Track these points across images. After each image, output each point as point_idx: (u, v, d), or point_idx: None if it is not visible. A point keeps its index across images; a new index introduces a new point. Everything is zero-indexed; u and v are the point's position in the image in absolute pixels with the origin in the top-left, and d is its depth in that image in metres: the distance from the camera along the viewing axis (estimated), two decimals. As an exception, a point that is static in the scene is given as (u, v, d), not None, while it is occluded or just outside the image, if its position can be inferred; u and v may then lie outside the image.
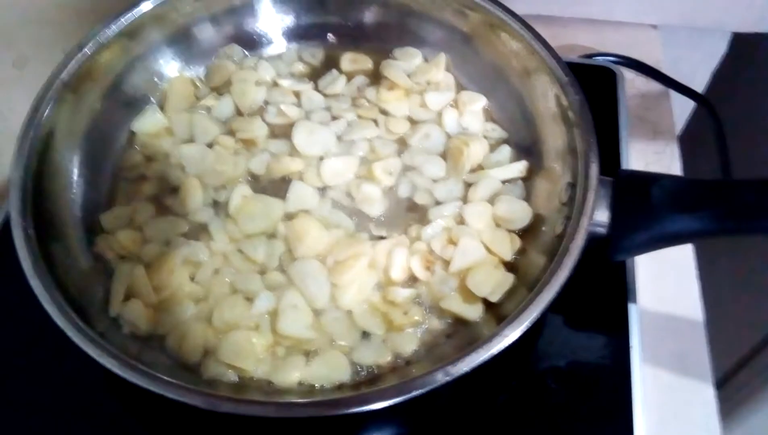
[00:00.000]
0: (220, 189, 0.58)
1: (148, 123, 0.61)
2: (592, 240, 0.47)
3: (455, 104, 0.63)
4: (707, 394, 0.56)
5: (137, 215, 0.56)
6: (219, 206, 0.57)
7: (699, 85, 0.90)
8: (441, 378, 0.41)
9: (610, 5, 0.79)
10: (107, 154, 0.60)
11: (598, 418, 0.52)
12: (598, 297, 0.57)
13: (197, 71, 0.66)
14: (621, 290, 0.57)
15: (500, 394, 0.53)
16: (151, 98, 0.64)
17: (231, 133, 0.61)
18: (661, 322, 0.60)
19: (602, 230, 0.48)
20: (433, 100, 0.63)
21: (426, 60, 0.66)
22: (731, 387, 0.87)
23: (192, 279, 0.53)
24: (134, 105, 0.62)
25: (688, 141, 0.87)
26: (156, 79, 0.64)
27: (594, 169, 0.49)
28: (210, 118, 0.62)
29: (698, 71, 0.89)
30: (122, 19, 0.58)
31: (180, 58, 0.65)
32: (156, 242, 0.54)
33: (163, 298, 0.51)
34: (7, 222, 0.49)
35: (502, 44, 0.60)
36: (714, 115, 0.79)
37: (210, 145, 0.60)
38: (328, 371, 0.48)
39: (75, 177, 0.56)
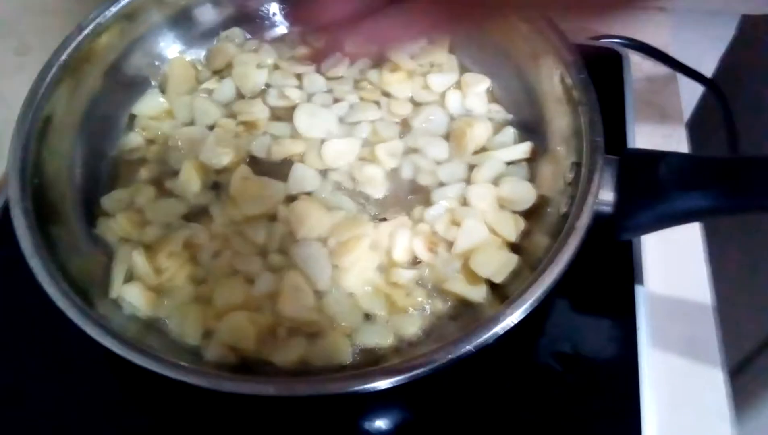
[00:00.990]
0: (221, 172, 0.57)
1: (149, 106, 0.61)
2: (598, 219, 0.46)
3: (459, 86, 0.62)
4: (718, 379, 0.55)
5: (138, 197, 0.55)
6: (220, 188, 0.56)
7: (707, 69, 0.89)
8: (444, 357, 0.40)
9: (617, -12, 0.78)
10: (108, 136, 0.60)
11: (606, 403, 0.51)
12: (604, 279, 0.56)
13: (198, 54, 0.65)
14: (628, 272, 0.56)
15: (506, 378, 0.53)
16: (152, 81, 0.63)
17: (232, 115, 0.61)
18: (670, 305, 0.59)
19: (608, 209, 0.47)
20: (437, 82, 0.62)
21: (430, 41, 0.65)
22: (747, 374, 0.86)
23: (192, 261, 0.52)
24: (135, 88, 0.62)
25: (697, 126, 0.86)
26: (157, 62, 0.63)
27: (599, 148, 0.48)
28: (211, 100, 0.61)
29: (707, 55, 0.88)
30: (122, 1, 0.58)
31: (181, 40, 0.64)
32: (156, 224, 0.54)
33: (163, 280, 0.51)
34: (7, 205, 0.48)
35: (506, 24, 0.59)
36: (722, 99, 0.78)
37: (211, 128, 0.60)
38: (329, 352, 0.48)
39: (75, 159, 0.56)
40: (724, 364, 0.57)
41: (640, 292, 0.55)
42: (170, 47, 0.64)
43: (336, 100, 0.61)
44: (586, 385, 0.52)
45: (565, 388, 0.52)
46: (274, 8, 0.67)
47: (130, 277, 0.51)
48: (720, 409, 0.54)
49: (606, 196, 0.47)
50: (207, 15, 0.65)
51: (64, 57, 0.55)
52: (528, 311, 0.42)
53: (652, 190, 0.46)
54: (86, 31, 0.56)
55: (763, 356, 0.83)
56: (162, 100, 0.61)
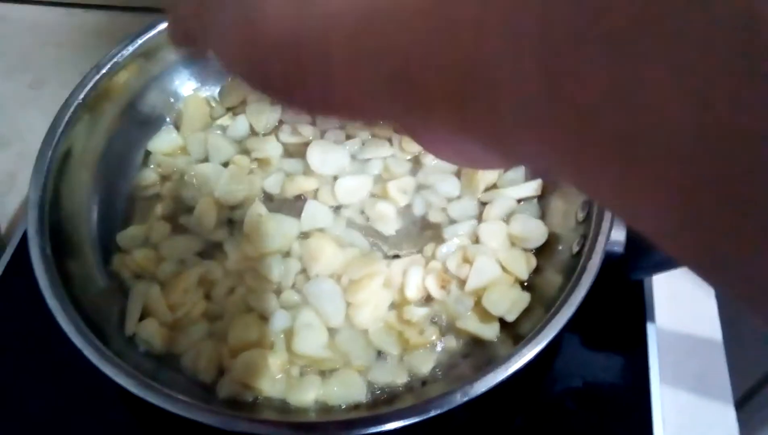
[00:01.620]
0: (235, 208, 0.58)
1: (164, 142, 0.62)
2: (609, 259, 0.47)
3: (469, 123, 0.63)
4: (728, 415, 0.56)
5: (153, 234, 0.56)
6: (234, 225, 0.57)
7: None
8: (459, 398, 0.41)
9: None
10: (123, 173, 0.60)
11: (618, 439, 0.51)
12: (615, 316, 0.57)
13: (212, 91, 0.66)
14: (639, 309, 0.57)
15: (517, 415, 0.53)
16: (167, 118, 0.64)
17: (246, 152, 0.61)
18: (680, 342, 0.59)
19: (619, 249, 0.48)
20: (448, 119, 0.62)
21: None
22: (751, 407, 0.86)
23: (207, 298, 0.53)
24: (150, 124, 0.63)
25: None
26: (172, 99, 0.64)
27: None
28: (225, 137, 0.62)
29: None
30: (139, 40, 0.59)
31: (196, 78, 0.65)
32: (171, 261, 0.54)
33: (178, 317, 0.51)
34: (24, 240, 0.49)
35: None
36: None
37: (225, 165, 0.60)
38: (343, 391, 0.48)
39: (92, 196, 0.57)
40: (734, 401, 0.57)
41: (651, 329, 0.55)
42: (185, 85, 0.65)
43: (348, 137, 0.62)
44: (598, 422, 0.52)
45: (577, 424, 0.52)
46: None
47: (145, 314, 0.52)
48: (730, 444, 0.54)
49: (618, 236, 0.48)
50: (221, 53, 0.66)
51: (82, 95, 0.56)
52: (541, 351, 0.43)
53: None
54: (104, 70, 0.57)
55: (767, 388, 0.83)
56: (176, 136, 0.62)
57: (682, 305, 0.61)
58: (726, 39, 0.12)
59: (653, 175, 0.14)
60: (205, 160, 0.61)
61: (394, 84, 0.18)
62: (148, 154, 0.62)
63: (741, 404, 0.86)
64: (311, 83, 0.20)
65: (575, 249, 0.49)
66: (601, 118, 0.14)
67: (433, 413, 0.40)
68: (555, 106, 0.15)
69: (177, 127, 0.63)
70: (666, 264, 0.48)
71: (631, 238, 0.48)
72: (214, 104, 0.66)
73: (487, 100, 0.16)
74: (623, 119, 0.13)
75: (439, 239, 0.56)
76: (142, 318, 0.51)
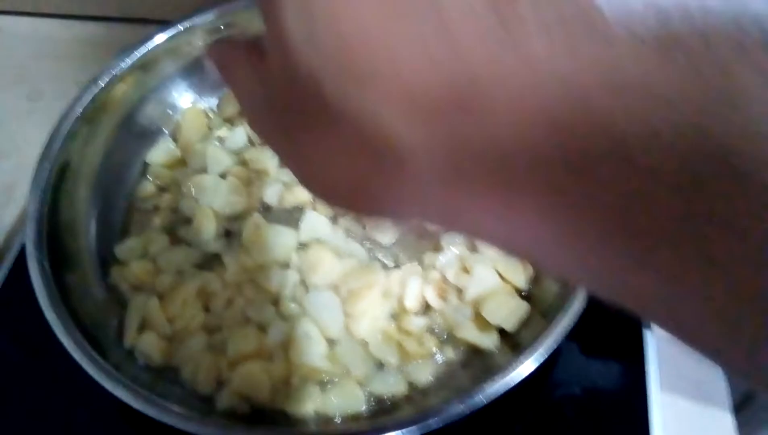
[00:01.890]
0: (234, 219, 0.58)
1: (162, 154, 0.62)
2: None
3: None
4: (726, 422, 0.56)
5: (151, 246, 0.56)
6: (232, 236, 0.57)
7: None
8: (458, 409, 0.41)
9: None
10: (121, 185, 0.61)
11: (617, 447, 0.51)
12: (613, 324, 0.57)
13: (210, 102, 0.66)
14: (637, 317, 0.57)
15: (516, 423, 0.53)
16: (165, 130, 0.64)
17: (244, 163, 0.62)
18: (677, 349, 0.59)
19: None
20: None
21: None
22: (749, 411, 0.86)
23: (206, 310, 0.53)
24: (148, 136, 0.63)
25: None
26: (170, 111, 0.65)
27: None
28: (223, 148, 0.63)
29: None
30: (136, 52, 0.59)
31: (193, 90, 0.65)
32: (169, 273, 0.55)
33: (176, 329, 0.51)
34: (22, 252, 0.49)
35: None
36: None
37: (223, 176, 0.60)
38: (343, 402, 0.48)
39: (90, 208, 0.57)
40: (732, 407, 0.57)
41: (649, 337, 0.56)
42: (183, 96, 0.65)
43: (345, 147, 0.62)
44: (597, 429, 0.52)
45: (576, 432, 0.52)
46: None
47: (143, 327, 0.52)
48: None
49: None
50: (219, 65, 0.66)
51: (80, 108, 0.56)
52: (540, 362, 0.43)
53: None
54: (102, 83, 0.57)
55: (763, 393, 0.83)
56: (174, 148, 0.62)
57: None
58: None
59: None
60: (204, 171, 0.61)
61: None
62: (146, 165, 0.62)
63: (738, 409, 0.86)
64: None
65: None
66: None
67: (432, 424, 0.40)
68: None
69: (175, 139, 0.64)
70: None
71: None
72: (212, 115, 0.66)
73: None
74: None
75: (438, 248, 0.56)
76: (140, 330, 0.51)
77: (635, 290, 0.17)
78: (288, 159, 0.22)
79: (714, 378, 0.58)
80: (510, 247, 0.19)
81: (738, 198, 0.13)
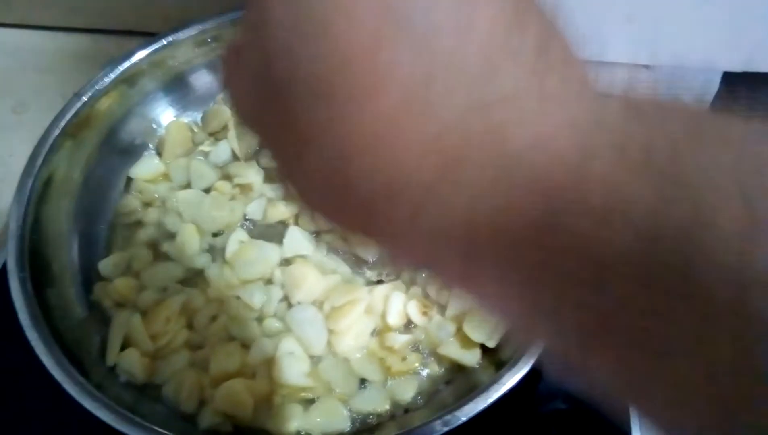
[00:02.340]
0: (217, 234, 0.58)
1: (146, 169, 0.62)
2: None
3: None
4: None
5: (134, 262, 0.56)
6: (216, 252, 0.57)
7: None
8: (440, 428, 0.41)
9: (604, 46, 0.80)
10: (105, 200, 0.60)
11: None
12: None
13: (194, 117, 0.66)
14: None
15: (500, 438, 0.53)
16: (149, 144, 0.64)
17: (228, 178, 0.61)
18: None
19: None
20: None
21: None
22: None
23: (189, 326, 0.53)
24: (132, 151, 0.63)
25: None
26: (154, 126, 0.64)
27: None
28: (207, 163, 0.62)
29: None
30: (120, 67, 0.59)
31: (177, 104, 0.65)
32: (153, 289, 0.54)
33: (159, 346, 0.51)
34: (4, 269, 0.49)
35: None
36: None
37: (207, 191, 0.60)
38: (326, 420, 0.48)
39: (73, 224, 0.57)
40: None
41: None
42: (167, 111, 0.65)
43: (330, 162, 0.62)
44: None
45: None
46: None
47: (126, 344, 0.51)
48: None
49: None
50: (202, 79, 0.66)
51: (63, 123, 0.55)
52: (522, 377, 0.43)
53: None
54: (85, 97, 0.57)
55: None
56: (158, 162, 0.62)
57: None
58: None
59: None
60: (188, 186, 0.61)
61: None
62: (129, 180, 0.62)
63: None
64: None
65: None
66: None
67: (414, 443, 0.41)
68: None
69: (159, 154, 0.63)
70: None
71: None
72: (196, 130, 0.66)
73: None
74: None
75: (421, 264, 0.56)
76: (123, 348, 0.51)
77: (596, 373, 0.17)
78: (279, 161, 0.23)
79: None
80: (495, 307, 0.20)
81: (682, 300, 0.14)
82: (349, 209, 0.20)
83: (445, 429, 0.41)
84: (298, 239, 0.57)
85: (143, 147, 0.63)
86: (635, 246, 0.14)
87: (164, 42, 0.61)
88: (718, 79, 0.87)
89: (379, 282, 0.55)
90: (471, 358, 0.50)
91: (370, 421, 0.49)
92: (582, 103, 0.17)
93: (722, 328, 0.13)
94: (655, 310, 0.14)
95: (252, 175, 0.61)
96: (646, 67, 0.83)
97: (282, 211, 0.58)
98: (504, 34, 0.17)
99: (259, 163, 0.62)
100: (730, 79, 0.86)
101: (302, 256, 0.56)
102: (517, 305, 0.18)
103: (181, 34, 0.62)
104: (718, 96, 0.88)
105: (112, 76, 0.59)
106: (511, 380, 0.43)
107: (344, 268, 0.55)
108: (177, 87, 0.65)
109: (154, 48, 0.61)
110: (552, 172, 0.15)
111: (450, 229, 0.17)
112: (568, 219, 0.15)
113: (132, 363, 0.50)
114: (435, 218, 0.17)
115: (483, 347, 0.51)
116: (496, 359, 0.50)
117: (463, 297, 0.21)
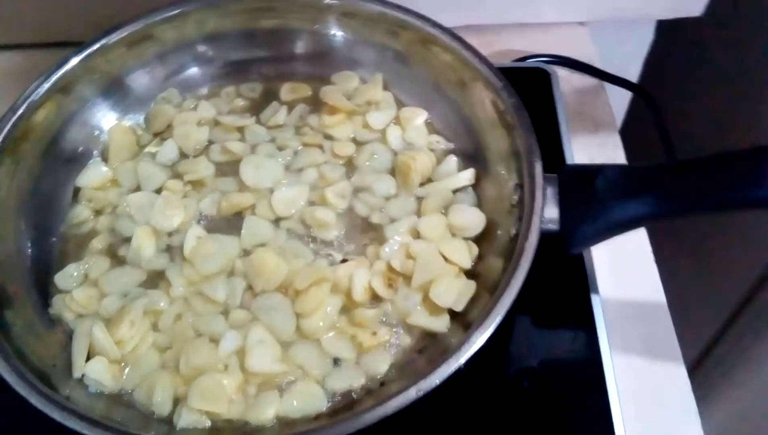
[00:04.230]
0: (173, 234, 0.57)
1: (93, 176, 0.61)
2: (546, 237, 0.48)
3: (398, 121, 0.64)
4: (680, 374, 0.58)
5: (91, 271, 0.55)
6: (174, 251, 0.56)
7: (633, 75, 0.93)
8: (414, 394, 0.41)
9: (539, 8, 0.81)
10: (54, 213, 0.59)
11: (577, 412, 0.53)
12: (560, 293, 0.58)
13: (137, 119, 0.65)
14: (582, 283, 0.58)
15: (479, 400, 0.53)
16: (94, 151, 0.63)
17: (178, 176, 0.61)
18: (625, 310, 0.61)
19: (554, 226, 0.49)
20: (376, 120, 0.63)
21: (363, 81, 0.66)
22: (706, 367, 0.89)
23: (154, 328, 0.52)
24: (76, 160, 0.61)
25: (630, 130, 0.90)
26: (96, 132, 0.63)
27: (538, 168, 0.50)
28: (155, 163, 0.61)
29: (630, 62, 0.92)
30: (53, 77, 0.58)
31: (117, 108, 0.64)
32: (114, 296, 0.53)
33: (127, 351, 0.50)
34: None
35: (435, 58, 0.61)
36: (651, 102, 0.81)
37: (158, 191, 0.59)
38: (303, 403, 0.48)
39: (22, 241, 0.55)
40: (684, 360, 0.59)
41: (596, 300, 0.57)
42: (107, 116, 0.64)
43: (280, 149, 0.62)
44: (555, 397, 0.53)
45: (535, 401, 0.53)
46: (205, 66, 0.68)
47: (92, 354, 0.50)
48: (685, 403, 0.56)
49: (551, 213, 0.49)
50: (140, 80, 0.65)
51: (-1, 139, 0.54)
52: (489, 336, 0.43)
53: (592, 204, 0.48)
54: (20, 111, 0.56)
55: (719, 347, 0.86)
56: (105, 169, 0.61)
57: (624, 274, 0.63)
58: None
59: None
60: (138, 189, 0.60)
61: None
62: (77, 190, 0.61)
63: (696, 365, 0.89)
64: None
65: (512, 232, 0.50)
66: None
67: (390, 411, 0.41)
68: None
69: (105, 160, 0.62)
70: (601, 235, 0.50)
71: (563, 214, 0.49)
72: (140, 131, 0.65)
73: None
74: None
75: (382, 239, 0.56)
76: (89, 358, 0.50)
77: None
78: None
79: (664, 333, 0.60)
80: None
81: None
82: None
83: (421, 393, 0.41)
84: (256, 228, 0.56)
85: (87, 155, 0.62)
86: None
87: (96, 47, 0.60)
88: (652, 29, 0.89)
89: (344, 261, 0.55)
90: (440, 324, 0.51)
91: (349, 398, 0.49)
92: None
93: None
94: None
95: (202, 170, 0.60)
96: (582, 24, 0.84)
97: (237, 202, 0.58)
98: None
99: (208, 158, 0.62)
100: (662, 31, 0.88)
101: (262, 245, 0.55)
102: None
103: (113, 37, 0.61)
104: (653, 46, 0.90)
105: (46, 86, 0.58)
106: (480, 339, 0.43)
107: (305, 251, 0.55)
108: (115, 91, 0.64)
109: (86, 54, 0.60)
110: None
111: None
112: None
113: (99, 372, 0.49)
114: None
115: (451, 312, 0.51)
116: (464, 322, 0.50)
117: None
